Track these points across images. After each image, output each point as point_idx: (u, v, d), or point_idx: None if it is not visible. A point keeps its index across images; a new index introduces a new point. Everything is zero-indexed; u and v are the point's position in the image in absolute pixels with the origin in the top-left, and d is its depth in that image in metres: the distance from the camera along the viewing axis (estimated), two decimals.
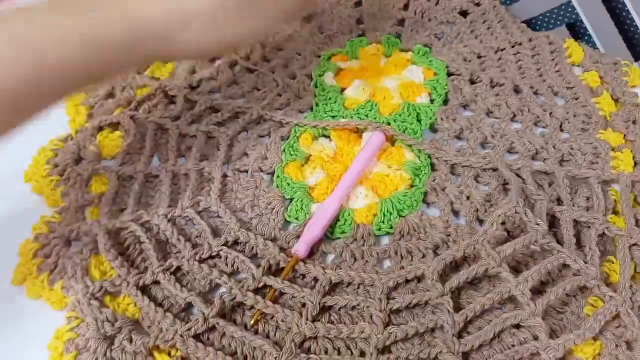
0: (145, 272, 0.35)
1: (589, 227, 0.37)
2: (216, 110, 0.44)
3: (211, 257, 0.36)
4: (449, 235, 0.37)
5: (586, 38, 0.53)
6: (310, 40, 0.52)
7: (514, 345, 0.32)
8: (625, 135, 0.44)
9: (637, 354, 0.32)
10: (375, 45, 0.51)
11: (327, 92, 0.46)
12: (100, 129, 0.42)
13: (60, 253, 0.35)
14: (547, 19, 0.53)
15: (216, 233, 0.37)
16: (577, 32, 0.53)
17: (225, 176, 0.40)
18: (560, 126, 0.45)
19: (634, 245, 0.36)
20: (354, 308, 0.34)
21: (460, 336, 0.33)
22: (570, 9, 0.52)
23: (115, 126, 0.43)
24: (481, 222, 0.38)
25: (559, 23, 0.53)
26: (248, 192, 0.39)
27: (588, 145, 0.43)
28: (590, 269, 0.34)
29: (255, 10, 0.35)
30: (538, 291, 0.34)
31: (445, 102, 0.46)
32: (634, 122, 0.45)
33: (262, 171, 0.41)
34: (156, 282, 0.34)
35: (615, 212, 0.39)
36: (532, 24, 0.55)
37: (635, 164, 0.42)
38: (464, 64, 0.50)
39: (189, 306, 0.34)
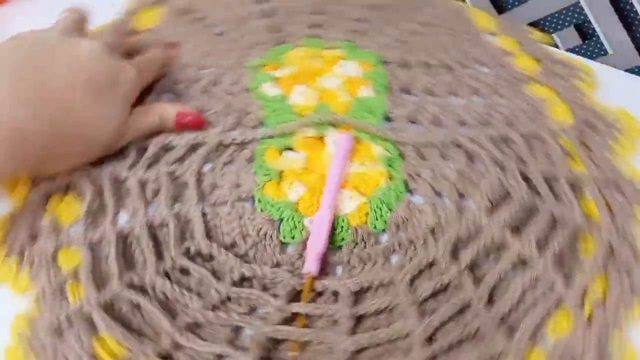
0: (158, 338, 0.32)
1: (557, 179, 0.40)
2: (171, 148, 0.41)
3: (222, 302, 0.34)
4: (440, 216, 0.38)
5: (594, 38, 0.53)
6: (229, 55, 0.50)
7: (535, 304, 0.34)
8: (552, 88, 0.48)
9: (637, 279, 0.35)
10: (298, 48, 0.51)
11: (272, 103, 0.45)
12: (48, 195, 0.38)
13: (57, 347, 0.31)
14: (555, 19, 0.54)
15: (217, 275, 0.35)
16: (585, 32, 0.53)
17: (204, 214, 0.38)
18: (495, 91, 0.48)
19: (600, 185, 0.40)
20: (383, 311, 0.34)
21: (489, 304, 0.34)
22: (578, 9, 0.52)
23: (64, 188, 0.38)
24: (462, 195, 0.40)
25: (567, 23, 0.53)
26: (233, 225, 0.37)
27: (524, 103, 0.46)
28: (575, 215, 0.37)
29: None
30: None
31: (388, 90, 0.47)
32: (556, 75, 0.49)
33: (240, 199, 0.39)
34: (177, 346, 0.31)
35: (571, 157, 0.42)
36: (540, 24, 0.55)
37: (572, 112, 0.46)
38: (391, 51, 0.51)
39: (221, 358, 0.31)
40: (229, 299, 0.34)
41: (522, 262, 0.35)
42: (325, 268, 0.36)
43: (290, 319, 0.33)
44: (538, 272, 0.34)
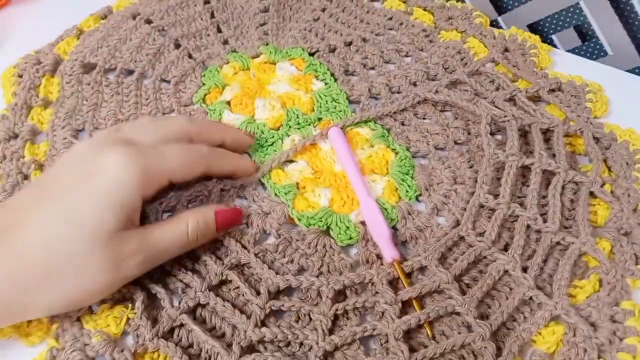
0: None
1: (514, 98, 0.45)
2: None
3: (333, 323, 0.33)
4: (450, 168, 0.41)
5: (594, 39, 0.52)
6: (161, 97, 0.46)
7: (559, 260, 0.35)
8: (457, 29, 0.53)
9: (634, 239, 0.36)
10: (225, 66, 0.49)
11: (245, 128, 0.43)
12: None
13: None
14: (554, 21, 0.53)
15: (312, 302, 0.34)
16: (585, 33, 0.52)
17: (256, 255, 0.35)
18: (418, 48, 0.52)
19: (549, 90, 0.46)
20: (476, 262, 0.35)
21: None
22: (577, 11, 0.50)
23: None
24: (459, 144, 0.43)
25: (566, 25, 0.52)
26: (289, 252, 0.36)
27: (447, 49, 0.51)
28: (549, 118, 0.43)
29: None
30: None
31: (334, 77, 0.48)
32: (451, 18, 0.54)
33: (281, 225, 0.37)
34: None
35: (512, 80, 0.48)
36: (540, 25, 0.54)
37: (485, 45, 0.51)
38: (309, 42, 0.52)
39: None
40: (336, 317, 0.33)
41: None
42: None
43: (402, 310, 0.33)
44: (552, 232, 0.36)
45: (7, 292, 0.28)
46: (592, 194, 0.39)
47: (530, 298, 0.33)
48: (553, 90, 0.46)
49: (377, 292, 0.34)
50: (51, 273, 0.28)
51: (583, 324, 0.31)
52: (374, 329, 0.32)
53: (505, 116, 0.42)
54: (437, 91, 0.46)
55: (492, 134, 0.43)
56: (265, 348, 0.32)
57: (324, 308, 0.33)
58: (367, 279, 0.34)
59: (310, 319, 0.33)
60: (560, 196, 0.38)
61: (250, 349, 0.31)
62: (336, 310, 0.33)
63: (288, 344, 0.32)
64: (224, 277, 0.34)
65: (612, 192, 0.39)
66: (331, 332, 0.32)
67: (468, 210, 0.37)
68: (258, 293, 0.33)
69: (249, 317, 0.32)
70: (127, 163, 0.31)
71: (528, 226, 0.37)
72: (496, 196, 0.38)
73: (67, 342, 0.31)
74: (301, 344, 0.32)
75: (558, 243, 0.36)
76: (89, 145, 0.32)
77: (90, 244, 0.29)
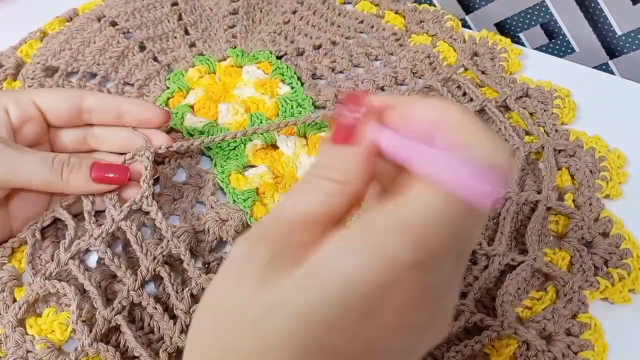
0: None
1: (484, 109, 0.45)
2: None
3: None
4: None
5: (560, 37, 0.52)
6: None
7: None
8: (427, 32, 0.53)
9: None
10: (191, 70, 0.48)
11: (206, 133, 0.42)
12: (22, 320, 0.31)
13: None
14: (521, 19, 0.53)
15: None
16: (552, 31, 0.52)
17: (206, 264, 0.35)
18: (387, 52, 0.51)
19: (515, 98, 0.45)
20: None
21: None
22: (544, 9, 0.51)
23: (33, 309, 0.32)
24: None
25: (533, 23, 0.52)
26: None
27: (416, 53, 0.50)
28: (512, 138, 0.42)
29: None
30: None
31: (300, 81, 0.48)
32: (422, 21, 0.54)
33: (239, 233, 0.36)
34: None
35: (480, 86, 0.47)
36: (507, 24, 0.54)
37: (454, 49, 0.51)
38: (278, 45, 0.51)
39: None
40: None
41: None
42: None
43: None
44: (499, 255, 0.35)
45: None
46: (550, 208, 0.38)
47: (475, 324, 0.32)
48: (520, 97, 0.46)
49: None
50: None
51: (534, 338, 0.31)
52: None
53: None
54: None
55: None
56: None
57: None
58: None
59: None
60: (514, 218, 0.37)
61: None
62: None
63: None
64: (156, 272, 0.33)
65: (574, 200, 0.39)
66: None
67: None
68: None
69: (175, 323, 0.31)
70: None
71: (474, 252, 0.36)
72: None
73: (10, 349, 0.30)
74: None
75: (509, 265, 0.35)
76: None
77: None
